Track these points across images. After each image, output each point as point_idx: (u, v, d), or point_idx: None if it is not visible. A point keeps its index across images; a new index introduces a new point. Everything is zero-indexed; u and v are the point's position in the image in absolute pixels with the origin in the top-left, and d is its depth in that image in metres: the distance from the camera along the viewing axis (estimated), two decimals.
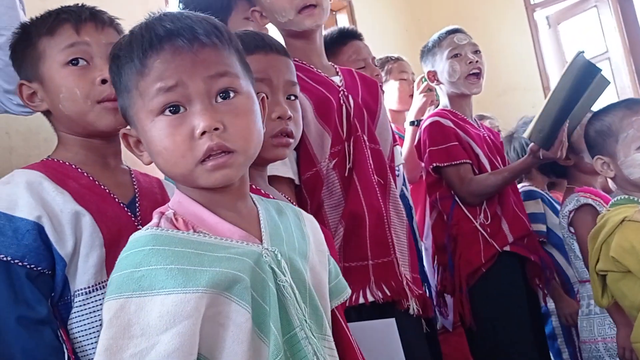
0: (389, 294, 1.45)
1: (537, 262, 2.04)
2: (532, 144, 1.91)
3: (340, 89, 1.58)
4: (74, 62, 1.09)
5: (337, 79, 1.61)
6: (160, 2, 2.64)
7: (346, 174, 1.50)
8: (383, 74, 2.75)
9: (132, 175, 1.21)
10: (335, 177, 1.50)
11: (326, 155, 1.49)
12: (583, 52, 1.81)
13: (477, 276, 1.97)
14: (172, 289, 0.74)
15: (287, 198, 1.27)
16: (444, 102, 2.25)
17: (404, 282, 1.48)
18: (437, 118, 2.12)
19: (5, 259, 0.97)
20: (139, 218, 1.12)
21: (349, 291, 1.03)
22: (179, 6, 1.83)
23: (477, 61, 2.14)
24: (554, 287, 2.23)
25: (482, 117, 3.42)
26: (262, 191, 1.13)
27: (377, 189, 1.53)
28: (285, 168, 1.40)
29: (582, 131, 2.00)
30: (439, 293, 2.08)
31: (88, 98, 1.09)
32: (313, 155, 1.47)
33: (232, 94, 0.82)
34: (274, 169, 1.31)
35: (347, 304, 1.21)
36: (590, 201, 1.89)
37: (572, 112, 1.83)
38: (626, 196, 1.60)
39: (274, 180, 1.37)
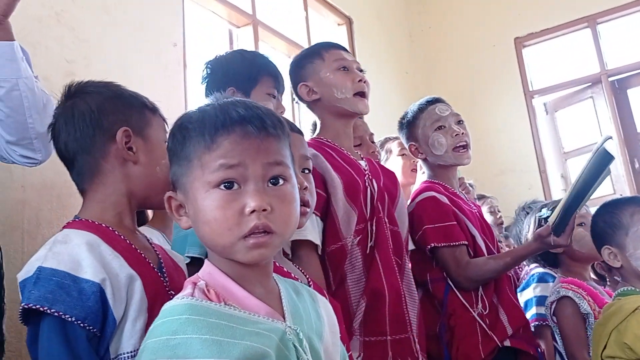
0: None
1: (535, 356, 1.88)
2: (539, 229, 1.83)
3: (366, 173, 1.69)
4: None
5: (362, 163, 1.72)
6: (179, 71, 2.77)
7: (367, 252, 1.58)
8: (383, 152, 2.85)
9: (149, 240, 1.24)
10: (358, 252, 1.57)
11: (352, 231, 1.56)
12: (610, 137, 1.69)
13: None
14: (206, 359, 0.77)
15: (301, 270, 1.30)
16: (428, 173, 2.13)
17: (419, 359, 1.54)
18: (433, 193, 1.97)
19: (70, 319, 0.97)
20: (167, 282, 1.15)
21: None
22: (206, 71, 1.83)
23: (462, 133, 2.03)
24: None
25: (482, 197, 3.54)
26: (277, 263, 1.18)
27: (396, 268, 1.61)
28: (316, 235, 1.47)
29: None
30: None
31: None
32: (339, 230, 1.55)
33: (281, 181, 0.90)
34: (307, 233, 1.39)
35: None
36: (570, 293, 1.94)
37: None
38: (632, 287, 1.65)
39: (302, 244, 1.45)
